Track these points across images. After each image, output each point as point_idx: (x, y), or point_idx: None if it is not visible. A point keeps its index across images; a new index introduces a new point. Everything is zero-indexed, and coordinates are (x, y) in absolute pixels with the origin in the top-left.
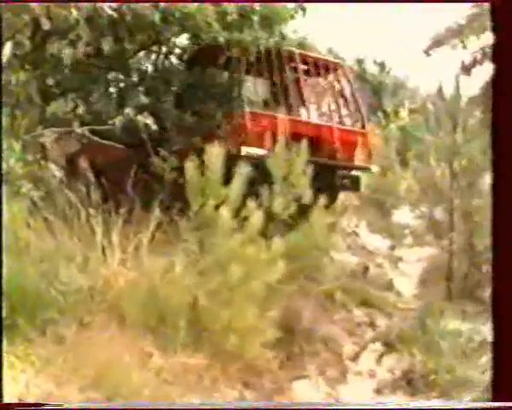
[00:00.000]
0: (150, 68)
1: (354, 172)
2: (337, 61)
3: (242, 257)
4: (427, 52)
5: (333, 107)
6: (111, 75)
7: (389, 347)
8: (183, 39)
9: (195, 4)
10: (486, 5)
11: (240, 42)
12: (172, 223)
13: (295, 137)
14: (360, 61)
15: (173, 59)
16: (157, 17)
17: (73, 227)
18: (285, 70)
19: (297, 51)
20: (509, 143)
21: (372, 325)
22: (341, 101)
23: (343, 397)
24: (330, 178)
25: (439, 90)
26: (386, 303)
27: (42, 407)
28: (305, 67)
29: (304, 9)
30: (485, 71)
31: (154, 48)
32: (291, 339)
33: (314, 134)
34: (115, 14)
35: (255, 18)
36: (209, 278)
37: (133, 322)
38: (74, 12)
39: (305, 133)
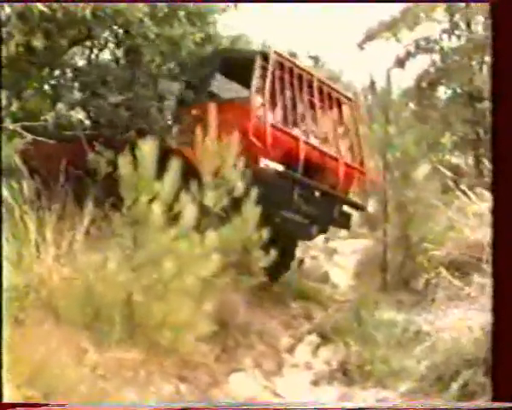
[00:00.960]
0: (84, 64)
1: (346, 208)
2: (349, 95)
3: (175, 252)
4: (360, 46)
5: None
6: (45, 72)
7: (325, 338)
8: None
9: None
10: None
11: (170, 37)
12: (106, 218)
13: (307, 162)
14: (293, 55)
15: (107, 55)
16: (88, 13)
17: (7, 224)
18: (303, 92)
19: (316, 77)
20: (509, 142)
21: (308, 317)
22: (345, 133)
23: (280, 389)
24: (327, 209)
25: (371, 84)
26: (322, 295)
27: (42, 407)
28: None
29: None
30: (419, 63)
31: (88, 43)
32: (226, 333)
33: (321, 162)
34: (47, 10)
35: (184, 13)
36: (143, 273)
37: (68, 318)
38: (7, 8)
39: (315, 160)
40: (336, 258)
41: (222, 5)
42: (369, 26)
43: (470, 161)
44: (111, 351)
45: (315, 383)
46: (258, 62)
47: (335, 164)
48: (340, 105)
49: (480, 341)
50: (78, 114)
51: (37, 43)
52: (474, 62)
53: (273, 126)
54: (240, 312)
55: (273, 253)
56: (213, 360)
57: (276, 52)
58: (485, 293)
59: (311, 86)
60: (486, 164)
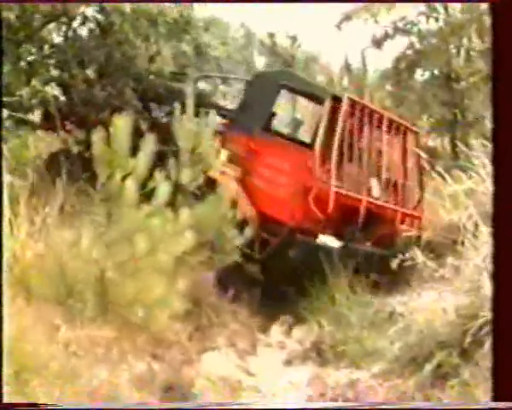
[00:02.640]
0: (60, 41)
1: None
2: (414, 128)
3: (149, 229)
4: (338, 26)
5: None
6: (22, 48)
7: (298, 318)
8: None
9: None
10: None
11: (147, 12)
12: (80, 195)
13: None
14: (271, 35)
15: (84, 31)
16: None
17: None
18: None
19: (386, 115)
20: (510, 142)
21: (286, 296)
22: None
23: (253, 369)
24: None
25: (347, 64)
26: None
27: (41, 407)
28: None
29: None
30: (396, 45)
31: (64, 19)
32: (199, 311)
33: (380, 213)
34: None
35: None
36: (116, 250)
37: (41, 295)
38: None
39: (375, 211)
40: None
41: None
42: (347, 6)
43: (447, 143)
44: (83, 328)
45: (288, 362)
46: (328, 107)
47: (394, 214)
48: (405, 137)
49: (454, 323)
50: (54, 90)
51: (11, 15)
52: (451, 45)
53: (337, 193)
54: (213, 290)
55: (248, 231)
56: (186, 338)
57: (349, 98)
58: (460, 275)
59: (379, 126)
60: (462, 147)
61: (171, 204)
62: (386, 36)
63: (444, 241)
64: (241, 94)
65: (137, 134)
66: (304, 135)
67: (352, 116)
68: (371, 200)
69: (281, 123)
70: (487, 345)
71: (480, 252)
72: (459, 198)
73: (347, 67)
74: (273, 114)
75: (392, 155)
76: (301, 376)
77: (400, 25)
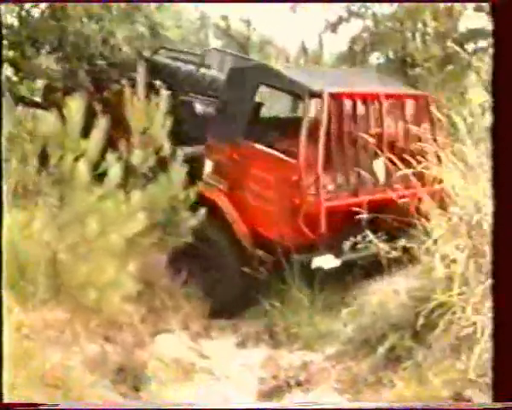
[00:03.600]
0: (13, 22)
1: None
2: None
3: (101, 211)
4: (293, 9)
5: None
6: None
7: (252, 300)
8: None
9: None
10: None
11: None
12: (33, 176)
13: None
14: (225, 18)
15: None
16: None
17: None
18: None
19: (381, 92)
20: (510, 142)
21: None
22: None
23: (206, 351)
24: None
25: (303, 48)
26: None
27: (41, 407)
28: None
29: None
30: (352, 28)
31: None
32: (152, 293)
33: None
34: None
35: None
36: (68, 232)
37: None
38: None
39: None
40: None
41: None
42: None
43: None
44: (36, 310)
45: (241, 344)
46: (307, 106)
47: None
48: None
49: (407, 305)
50: (7, 71)
51: None
52: (406, 29)
53: (330, 208)
54: (166, 272)
55: (201, 212)
56: (139, 320)
57: (331, 94)
58: (412, 258)
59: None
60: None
61: (123, 186)
62: (341, 19)
63: (396, 224)
64: (219, 96)
65: (90, 115)
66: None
67: (339, 107)
68: (373, 196)
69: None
70: (440, 327)
71: (431, 235)
72: (411, 181)
73: (304, 50)
74: (259, 107)
75: (395, 132)
76: (254, 358)
77: (354, 8)
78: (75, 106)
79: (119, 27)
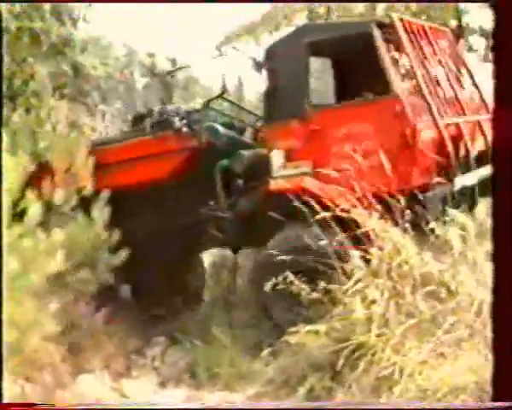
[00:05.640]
0: None
1: None
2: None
3: (21, 249)
4: (219, 48)
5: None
6: None
7: (173, 340)
8: None
9: None
10: (281, 5)
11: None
12: None
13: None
14: (151, 55)
15: None
16: None
17: None
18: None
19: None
20: (510, 144)
21: (157, 318)
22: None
23: (127, 391)
24: None
25: (223, 87)
26: None
27: (41, 407)
28: None
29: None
30: None
31: None
32: (73, 332)
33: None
34: None
35: (47, 7)
36: None
37: None
38: None
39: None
40: None
41: (84, 5)
42: (228, 28)
43: None
44: None
45: (162, 384)
46: (379, 37)
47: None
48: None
49: (326, 345)
50: None
51: None
52: None
53: (448, 125)
54: (87, 312)
55: (122, 253)
56: (60, 360)
57: (402, 19)
58: (331, 298)
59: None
60: None
61: (43, 224)
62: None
63: (315, 265)
64: (264, 83)
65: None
66: None
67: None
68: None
69: None
70: (360, 368)
71: (351, 276)
72: (329, 223)
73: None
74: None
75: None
76: (176, 398)
77: None
78: None
79: (43, 65)
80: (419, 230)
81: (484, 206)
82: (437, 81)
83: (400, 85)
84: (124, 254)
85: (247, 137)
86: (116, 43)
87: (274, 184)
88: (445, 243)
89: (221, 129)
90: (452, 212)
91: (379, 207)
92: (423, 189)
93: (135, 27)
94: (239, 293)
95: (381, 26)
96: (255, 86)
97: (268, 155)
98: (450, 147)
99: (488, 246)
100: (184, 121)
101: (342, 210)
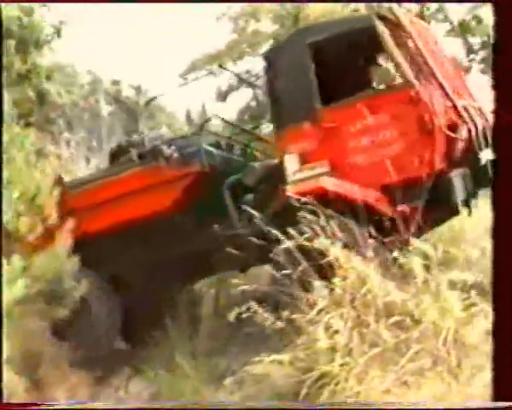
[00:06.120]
0: None
1: None
2: None
3: None
4: (183, 76)
5: None
6: None
7: (137, 370)
8: None
9: None
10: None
11: None
12: None
13: None
14: (116, 83)
15: None
16: None
17: None
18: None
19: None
20: (510, 146)
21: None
22: None
23: None
24: None
25: (188, 115)
26: None
27: (41, 407)
28: None
29: (59, 31)
30: (241, 96)
31: None
32: (36, 362)
33: None
34: None
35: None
36: None
37: None
38: None
39: None
40: None
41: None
42: (193, 57)
43: None
44: None
45: None
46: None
47: None
48: None
49: (291, 375)
50: None
51: None
52: None
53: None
54: (49, 342)
55: (84, 283)
56: (23, 390)
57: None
58: (296, 329)
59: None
60: None
61: (6, 252)
62: (231, 88)
63: (279, 294)
64: (266, 88)
65: None
66: None
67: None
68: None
69: None
70: (323, 397)
71: (315, 306)
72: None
73: (188, 119)
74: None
75: None
76: None
77: (245, 77)
78: None
79: (8, 91)
80: (383, 259)
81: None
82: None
83: (411, 72)
84: (85, 285)
85: (237, 154)
86: (81, 71)
87: (291, 189)
88: (408, 272)
89: (214, 150)
90: (415, 241)
91: (342, 235)
92: (445, 172)
93: (100, 55)
94: (203, 321)
95: (380, 18)
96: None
97: (280, 162)
98: (471, 125)
99: (451, 275)
100: (173, 148)
101: (306, 239)
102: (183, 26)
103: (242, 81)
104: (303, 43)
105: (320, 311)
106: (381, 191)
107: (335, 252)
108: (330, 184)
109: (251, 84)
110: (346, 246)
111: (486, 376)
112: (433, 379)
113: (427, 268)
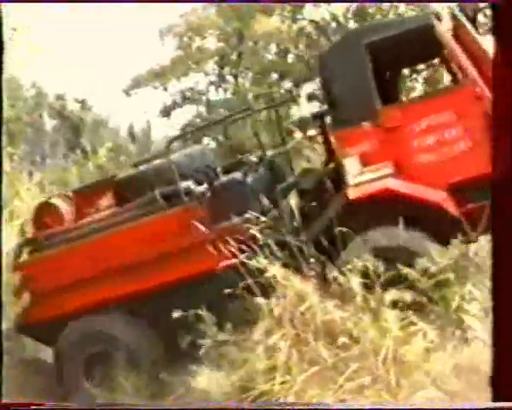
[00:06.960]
0: None
1: None
2: None
3: None
4: (127, 92)
5: None
6: None
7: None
8: None
9: None
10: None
11: None
12: None
13: None
14: (60, 97)
15: None
16: None
17: None
18: None
19: None
20: (509, 148)
21: None
22: None
23: None
24: None
25: (131, 131)
26: None
27: (41, 407)
28: None
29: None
30: (184, 113)
31: None
32: None
33: None
34: None
35: None
36: None
37: None
38: None
39: None
40: None
41: None
42: (137, 72)
43: None
44: None
45: None
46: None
47: None
48: None
49: (230, 394)
50: None
51: None
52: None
53: None
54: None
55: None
56: None
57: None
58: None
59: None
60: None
61: None
62: (175, 104)
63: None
64: (325, 91)
65: None
66: None
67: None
68: None
69: None
70: None
71: (257, 327)
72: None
73: (131, 134)
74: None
75: None
76: None
77: (188, 94)
78: None
79: None
80: (322, 277)
81: None
82: None
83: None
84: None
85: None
86: (25, 85)
87: (354, 193)
88: (347, 290)
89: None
90: (354, 260)
91: (281, 254)
92: None
93: (44, 69)
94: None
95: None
96: (162, 129)
97: (338, 165)
98: None
99: (393, 294)
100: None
101: (247, 257)
102: (128, 40)
103: (186, 98)
104: (360, 44)
105: (260, 329)
106: (448, 191)
107: (274, 270)
108: (396, 185)
109: (195, 102)
110: (285, 265)
111: (427, 394)
112: (372, 398)
113: (367, 287)
